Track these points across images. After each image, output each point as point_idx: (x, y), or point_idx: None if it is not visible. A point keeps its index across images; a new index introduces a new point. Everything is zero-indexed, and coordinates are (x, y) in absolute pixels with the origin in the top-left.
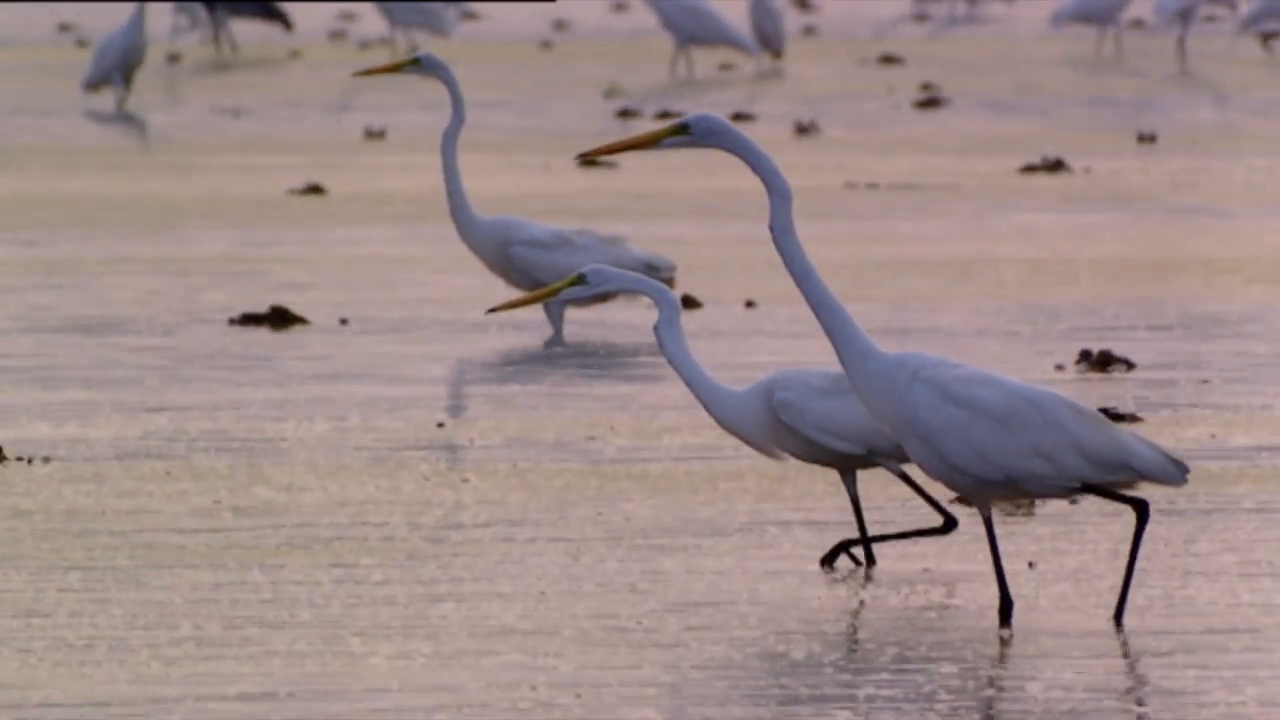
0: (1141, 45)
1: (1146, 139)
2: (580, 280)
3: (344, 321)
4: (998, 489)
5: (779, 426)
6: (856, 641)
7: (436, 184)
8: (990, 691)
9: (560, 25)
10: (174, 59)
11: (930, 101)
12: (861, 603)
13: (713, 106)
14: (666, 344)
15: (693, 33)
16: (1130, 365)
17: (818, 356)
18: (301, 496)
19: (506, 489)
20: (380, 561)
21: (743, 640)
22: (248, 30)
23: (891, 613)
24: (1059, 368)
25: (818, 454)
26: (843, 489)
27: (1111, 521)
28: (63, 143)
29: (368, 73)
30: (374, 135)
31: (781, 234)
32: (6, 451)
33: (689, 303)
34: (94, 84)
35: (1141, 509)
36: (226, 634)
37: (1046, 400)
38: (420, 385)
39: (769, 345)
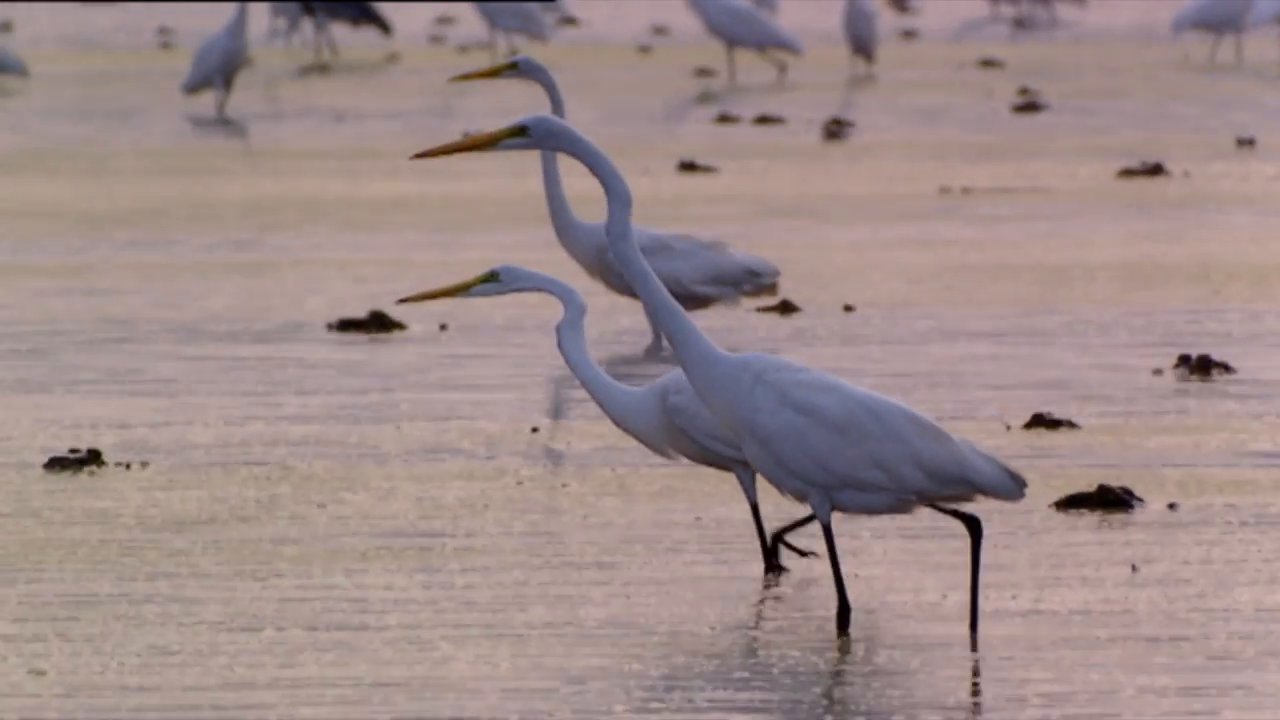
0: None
1: (1245, 143)
2: (493, 278)
3: (443, 327)
4: (847, 495)
5: (672, 428)
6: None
7: (535, 188)
8: (1090, 694)
9: (659, 30)
10: (273, 62)
11: (1029, 106)
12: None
13: (810, 109)
14: (565, 344)
15: (739, 36)
16: (1229, 370)
17: (917, 362)
18: (395, 501)
19: (603, 493)
20: (471, 565)
21: (827, 644)
22: (347, 34)
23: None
24: (1157, 372)
25: (709, 458)
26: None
27: (1206, 527)
28: (160, 146)
29: (466, 77)
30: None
31: (618, 238)
32: (106, 456)
33: (787, 307)
34: (194, 87)
35: (974, 526)
36: (313, 637)
37: (887, 411)
38: (517, 390)
39: (867, 350)
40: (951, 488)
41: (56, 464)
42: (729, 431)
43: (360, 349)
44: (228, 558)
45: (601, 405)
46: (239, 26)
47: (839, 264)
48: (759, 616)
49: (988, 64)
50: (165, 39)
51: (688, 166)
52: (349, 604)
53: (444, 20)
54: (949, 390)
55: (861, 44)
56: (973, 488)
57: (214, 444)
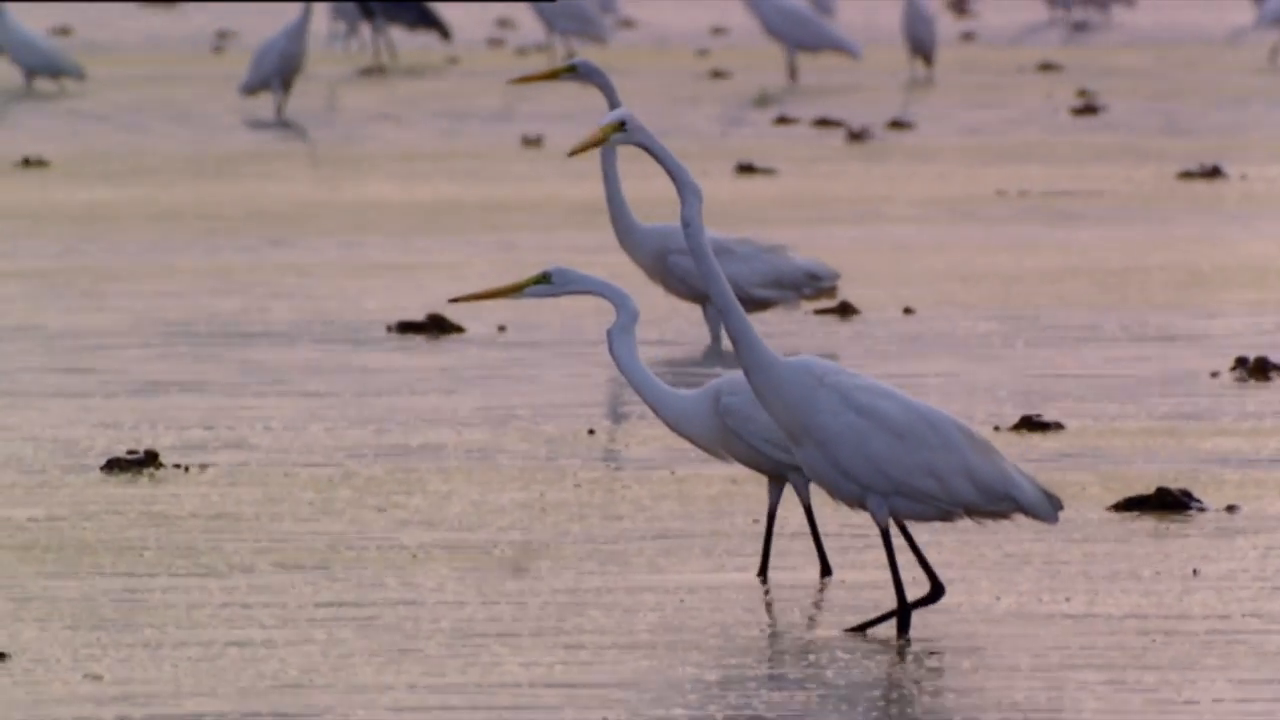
0: None
1: None
2: (545, 279)
3: (502, 329)
4: (901, 502)
5: (725, 431)
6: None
7: (592, 191)
8: (1144, 697)
9: (718, 31)
10: (331, 66)
11: (1087, 108)
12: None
13: (869, 112)
14: (616, 349)
15: (796, 38)
16: None
17: (977, 365)
18: (453, 504)
19: (661, 496)
20: (526, 567)
21: (880, 647)
22: (405, 37)
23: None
24: (1214, 375)
25: (760, 460)
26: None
27: (1264, 530)
28: (217, 149)
29: (524, 80)
30: (531, 142)
31: (695, 232)
32: (164, 458)
33: (846, 309)
34: (252, 89)
35: (936, 591)
36: (366, 640)
37: (942, 422)
38: (575, 392)
39: (928, 352)
40: (996, 503)
41: (115, 466)
42: (786, 435)
43: (419, 351)
44: (283, 560)
45: (654, 409)
46: (300, 29)
47: (898, 266)
48: (813, 620)
49: (1046, 67)
50: (222, 42)
51: (746, 169)
52: (403, 606)
53: (503, 24)
54: (1008, 393)
55: (920, 46)
56: (1016, 505)
57: (272, 446)
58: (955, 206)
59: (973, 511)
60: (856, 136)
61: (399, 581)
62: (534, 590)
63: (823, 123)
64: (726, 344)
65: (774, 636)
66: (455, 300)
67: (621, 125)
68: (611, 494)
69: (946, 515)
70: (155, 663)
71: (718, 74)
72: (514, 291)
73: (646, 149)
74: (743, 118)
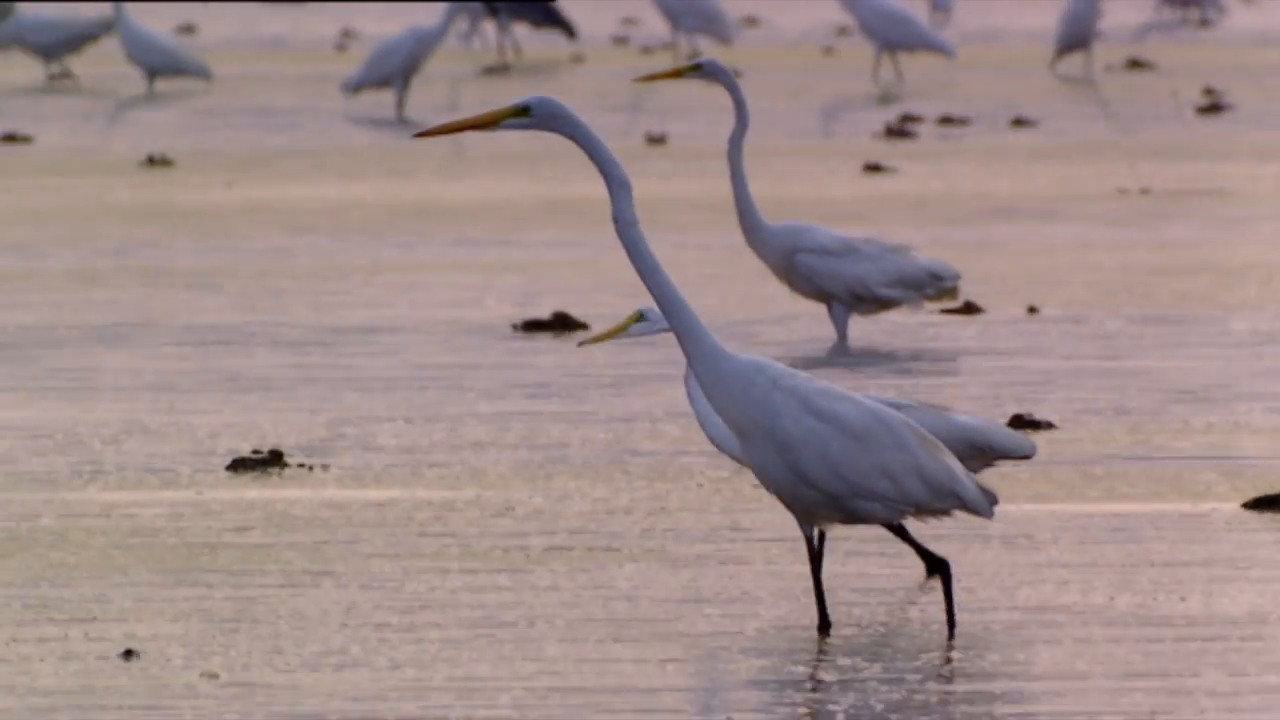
0: None
1: None
2: (641, 318)
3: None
4: (833, 507)
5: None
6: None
7: (714, 189)
8: (1261, 695)
9: (843, 30)
10: (454, 64)
11: (1213, 107)
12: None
13: (995, 109)
14: (694, 391)
15: (891, 38)
16: None
17: (1104, 363)
18: (576, 502)
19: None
20: (647, 566)
21: (1000, 645)
22: (529, 35)
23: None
24: None
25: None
26: None
27: None
28: (340, 147)
29: (649, 78)
30: (655, 140)
31: (626, 225)
32: (288, 458)
33: (970, 308)
34: (361, 87)
35: (945, 571)
36: (483, 638)
37: (894, 421)
38: None
39: (1053, 351)
40: (942, 500)
41: (239, 465)
42: (733, 431)
43: (544, 349)
44: (401, 559)
45: (702, 425)
46: (438, 34)
47: (1021, 265)
48: (929, 618)
49: (1166, 65)
50: (345, 41)
51: (872, 168)
52: (520, 605)
53: (628, 22)
54: (1136, 392)
55: (1081, 41)
56: (959, 501)
57: (397, 445)
58: (1076, 205)
59: (920, 510)
60: (983, 134)
61: (516, 581)
62: (651, 589)
63: (946, 120)
64: (853, 342)
65: (887, 635)
66: (584, 344)
67: (525, 110)
68: (736, 494)
69: (892, 516)
70: (274, 662)
71: (842, 72)
72: (618, 333)
73: (571, 136)
74: (867, 116)
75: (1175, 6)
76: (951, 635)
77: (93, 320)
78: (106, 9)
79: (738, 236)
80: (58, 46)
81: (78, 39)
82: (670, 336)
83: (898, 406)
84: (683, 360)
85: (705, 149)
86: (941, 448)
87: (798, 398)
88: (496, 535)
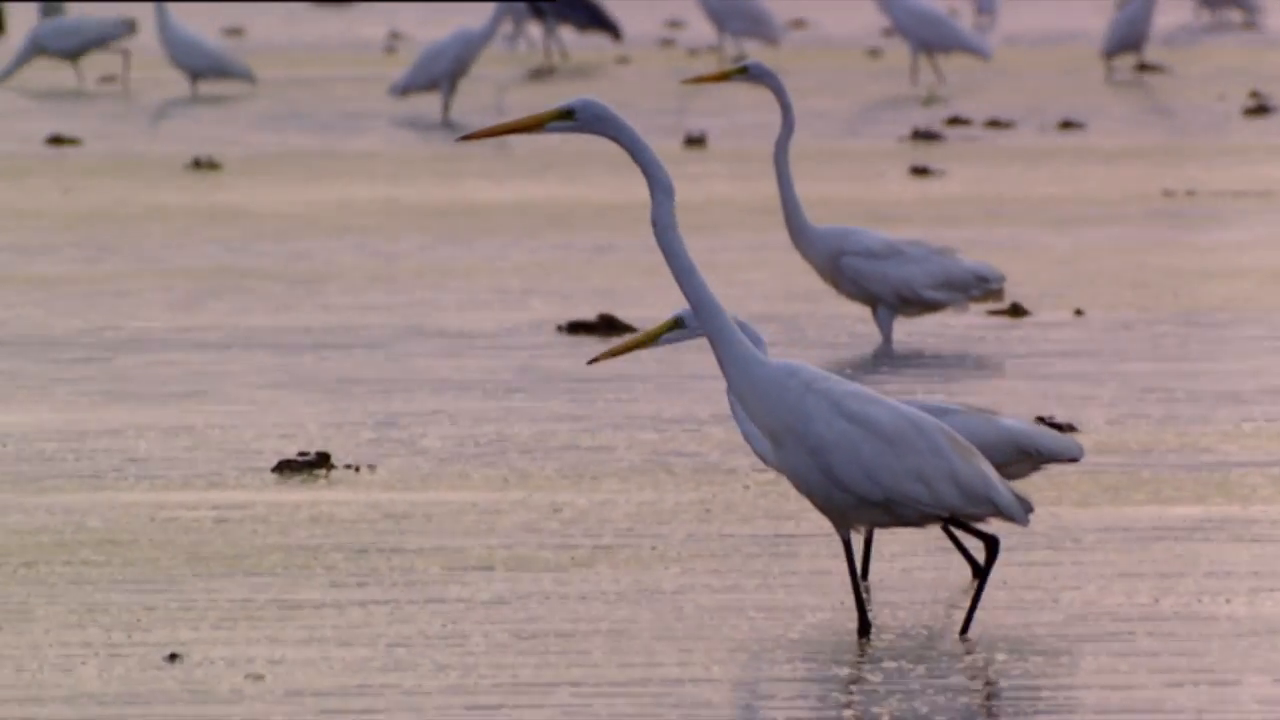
0: None
1: None
2: (679, 324)
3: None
4: (867, 511)
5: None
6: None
7: (756, 191)
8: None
9: (889, 32)
10: (498, 66)
11: (1259, 109)
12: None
13: (1042, 111)
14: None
15: (926, 38)
16: None
17: (1152, 366)
18: (622, 505)
19: None
20: (690, 568)
21: (1040, 647)
22: (574, 37)
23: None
24: None
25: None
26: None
27: None
28: (388, 150)
29: (696, 81)
30: (694, 142)
31: (664, 229)
32: (335, 459)
33: (1017, 310)
34: (408, 90)
35: (993, 545)
36: (525, 641)
37: (928, 426)
38: None
39: (1099, 353)
40: (977, 506)
41: (286, 467)
42: (766, 436)
43: (590, 352)
44: (447, 562)
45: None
46: (484, 38)
47: (1067, 267)
48: (977, 620)
49: (1217, 66)
50: (394, 43)
51: (920, 170)
52: (564, 607)
53: (674, 24)
54: (1183, 395)
55: (1132, 43)
56: (994, 507)
57: (443, 447)
58: (1123, 207)
59: (954, 515)
60: (1029, 137)
61: (561, 582)
62: (695, 592)
63: (994, 123)
64: (898, 345)
65: (933, 638)
66: (594, 361)
67: (570, 113)
68: (782, 496)
69: (925, 520)
70: (318, 665)
71: (889, 74)
72: (650, 341)
73: (615, 139)
74: (914, 118)
75: (1213, 8)
76: (967, 626)
77: (140, 323)
78: (125, 10)
79: (783, 237)
80: (79, 50)
81: (96, 42)
82: None
83: (944, 411)
84: None
85: (750, 151)
86: (976, 453)
87: (830, 400)
88: (542, 537)
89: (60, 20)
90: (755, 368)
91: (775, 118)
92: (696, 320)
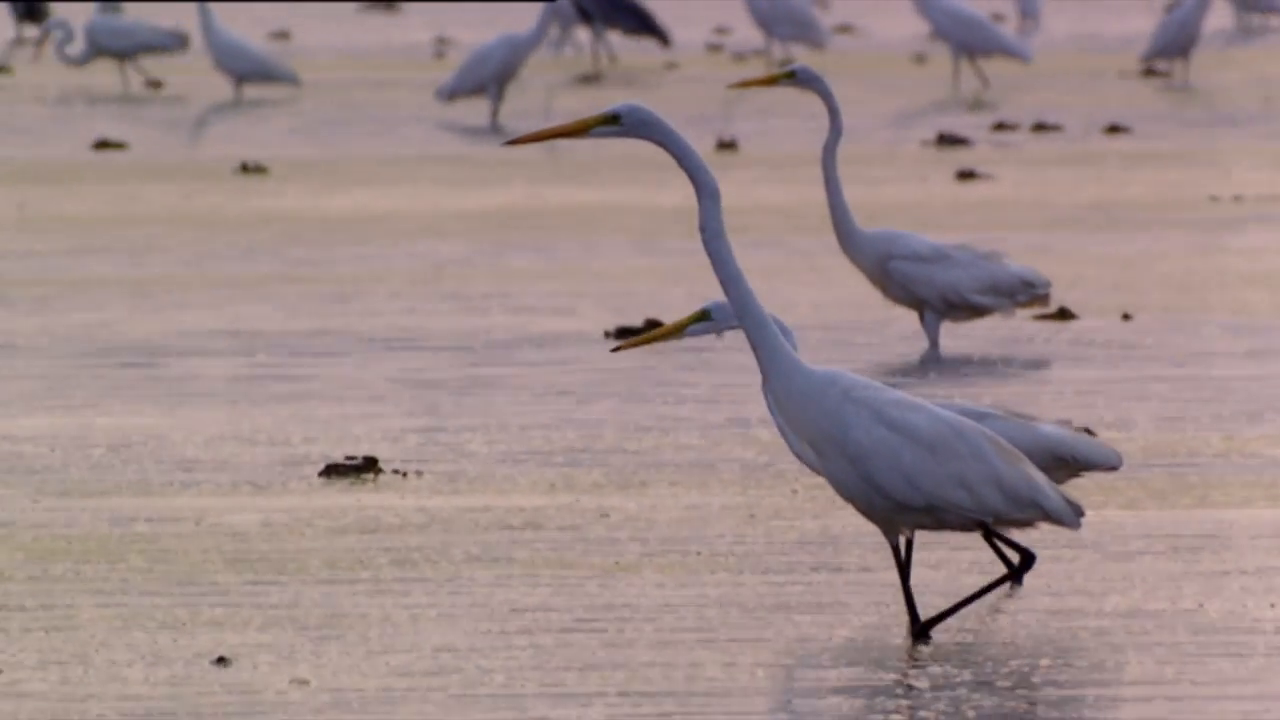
0: None
1: None
2: (705, 316)
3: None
4: (911, 516)
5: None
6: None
7: (792, 196)
8: None
9: (935, 37)
10: (546, 71)
11: None
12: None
13: (1087, 116)
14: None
15: (966, 41)
16: None
17: (1200, 371)
18: (668, 509)
19: None
20: (739, 571)
21: (1084, 652)
22: (622, 42)
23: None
24: None
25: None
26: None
27: None
28: (434, 154)
29: (743, 85)
30: (725, 146)
31: (713, 236)
32: (382, 464)
33: (1064, 314)
34: (455, 94)
35: (1026, 559)
36: (567, 648)
37: (970, 431)
38: None
39: (1148, 358)
40: (1023, 510)
41: (333, 471)
42: (806, 444)
43: (636, 358)
44: (493, 566)
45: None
46: (531, 42)
47: (1114, 271)
48: (1019, 624)
49: (1261, 70)
50: (442, 48)
51: (966, 175)
52: (609, 612)
53: (721, 30)
54: (1230, 399)
55: (1180, 47)
56: (1042, 512)
57: (490, 451)
58: (1170, 211)
59: (1000, 520)
60: (1077, 141)
61: (606, 587)
62: (742, 596)
63: (1040, 127)
64: (945, 350)
65: (978, 642)
66: (617, 349)
67: (615, 118)
68: (829, 501)
69: (971, 525)
70: (364, 668)
71: (934, 79)
72: (676, 333)
73: (661, 144)
74: (960, 123)
75: (1253, 12)
76: (935, 621)
77: (187, 327)
78: (182, 20)
79: (831, 242)
80: (130, 52)
81: (146, 47)
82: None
83: (981, 416)
84: None
85: (792, 155)
86: (1022, 458)
87: (870, 408)
88: (589, 542)
89: (116, 19)
90: (798, 377)
91: (804, 122)
92: (726, 316)
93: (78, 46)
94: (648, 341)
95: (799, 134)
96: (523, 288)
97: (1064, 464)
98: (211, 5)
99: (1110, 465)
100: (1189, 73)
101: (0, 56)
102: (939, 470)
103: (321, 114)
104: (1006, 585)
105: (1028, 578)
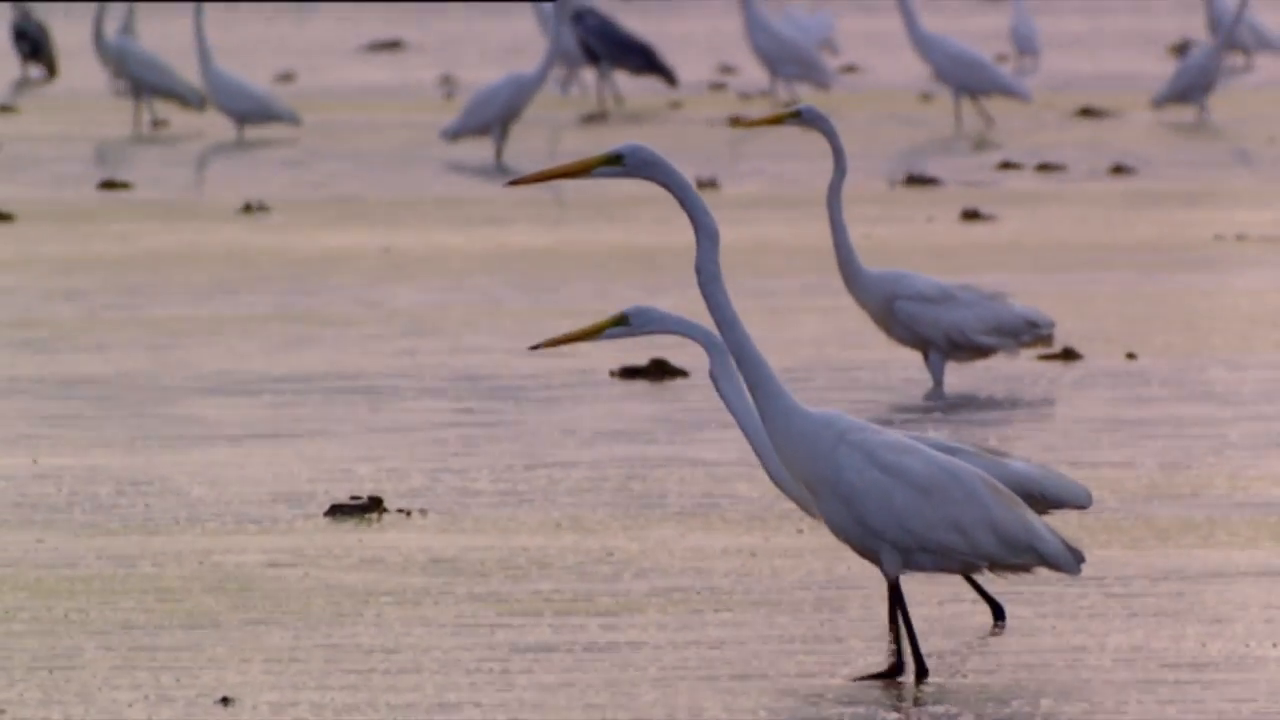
0: None
1: None
2: (623, 320)
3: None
4: (907, 558)
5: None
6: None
7: (812, 235)
8: None
9: (936, 78)
10: (552, 110)
11: None
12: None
13: (1092, 156)
14: (727, 394)
15: (965, 81)
16: None
17: (1203, 411)
18: (673, 550)
19: None
20: (738, 613)
21: (1087, 690)
22: (627, 81)
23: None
24: None
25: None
26: None
27: None
28: (439, 195)
29: (749, 124)
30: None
31: (709, 279)
32: (387, 503)
33: (1069, 354)
34: (460, 134)
35: (997, 614)
36: (566, 684)
37: (966, 474)
38: None
39: (1152, 398)
40: (1019, 555)
41: (338, 511)
42: (803, 486)
43: (642, 395)
44: (496, 607)
45: (760, 458)
46: (535, 83)
47: (1118, 311)
48: (1021, 664)
49: (1263, 111)
50: (449, 89)
51: (970, 215)
52: (610, 652)
53: (726, 70)
54: (1235, 439)
55: (1195, 91)
56: (1038, 557)
57: (495, 492)
58: (1174, 252)
59: (996, 565)
60: (1081, 181)
61: (610, 627)
62: (745, 635)
63: (1045, 167)
64: (949, 389)
65: (977, 686)
66: (535, 347)
67: (618, 158)
68: (833, 540)
69: (967, 568)
70: (366, 709)
71: (938, 119)
72: (594, 334)
73: (663, 184)
74: (965, 163)
75: (1239, 48)
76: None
77: (192, 366)
78: (203, 58)
79: (836, 281)
80: (153, 89)
81: (171, 93)
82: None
83: (954, 451)
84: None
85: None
86: (1019, 501)
87: (863, 451)
88: (593, 582)
89: (145, 51)
90: (795, 419)
91: (800, 163)
92: (644, 321)
93: (113, 49)
94: (565, 342)
95: (803, 172)
96: (526, 326)
97: (1033, 501)
98: (210, 46)
99: (1079, 504)
100: (1206, 114)
101: (6, 96)
102: (932, 514)
103: (325, 154)
104: (1004, 624)
105: (1031, 616)
